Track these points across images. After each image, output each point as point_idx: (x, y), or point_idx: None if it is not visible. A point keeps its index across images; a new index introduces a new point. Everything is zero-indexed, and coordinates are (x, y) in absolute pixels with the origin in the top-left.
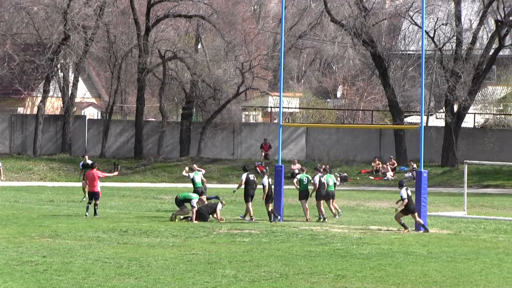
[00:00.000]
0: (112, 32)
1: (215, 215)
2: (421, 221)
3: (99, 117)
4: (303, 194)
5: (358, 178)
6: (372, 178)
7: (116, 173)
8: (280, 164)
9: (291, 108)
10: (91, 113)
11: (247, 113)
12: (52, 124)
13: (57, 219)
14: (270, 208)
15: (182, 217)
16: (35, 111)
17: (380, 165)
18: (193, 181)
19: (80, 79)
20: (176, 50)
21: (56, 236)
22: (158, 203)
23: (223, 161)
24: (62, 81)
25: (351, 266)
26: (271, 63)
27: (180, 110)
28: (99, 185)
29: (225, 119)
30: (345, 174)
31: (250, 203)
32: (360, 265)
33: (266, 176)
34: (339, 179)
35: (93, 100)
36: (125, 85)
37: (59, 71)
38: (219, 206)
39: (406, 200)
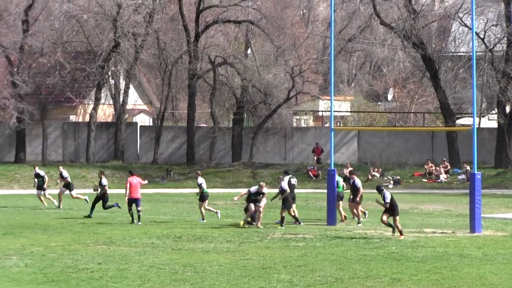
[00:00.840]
0: (162, 39)
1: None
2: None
3: (151, 124)
4: (338, 196)
5: (411, 181)
6: (425, 180)
7: (146, 181)
8: (332, 168)
9: (342, 111)
10: (143, 120)
11: (298, 117)
12: (104, 132)
13: (112, 226)
14: (292, 213)
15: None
16: (87, 118)
17: (433, 168)
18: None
19: (131, 86)
20: (226, 55)
21: (111, 243)
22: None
23: (275, 166)
24: (113, 89)
25: (406, 269)
26: (321, 67)
27: (231, 116)
28: (140, 192)
29: (276, 124)
30: (398, 177)
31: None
32: (415, 268)
33: (286, 180)
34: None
35: (144, 107)
36: (176, 91)
37: (110, 78)
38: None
39: (388, 204)
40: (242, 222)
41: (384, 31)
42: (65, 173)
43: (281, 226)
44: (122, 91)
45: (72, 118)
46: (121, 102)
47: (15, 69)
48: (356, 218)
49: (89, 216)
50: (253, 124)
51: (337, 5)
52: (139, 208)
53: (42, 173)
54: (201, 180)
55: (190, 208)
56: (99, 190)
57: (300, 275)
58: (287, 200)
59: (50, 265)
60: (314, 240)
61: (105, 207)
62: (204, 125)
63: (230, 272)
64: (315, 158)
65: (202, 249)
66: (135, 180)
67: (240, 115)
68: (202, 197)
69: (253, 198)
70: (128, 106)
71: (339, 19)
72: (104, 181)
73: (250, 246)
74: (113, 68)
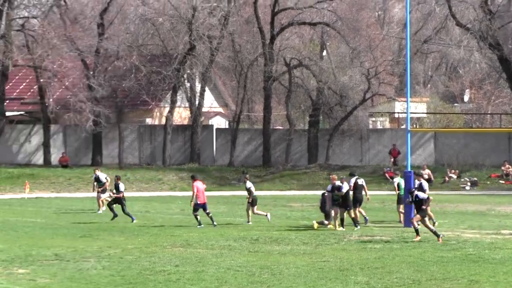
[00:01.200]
0: (237, 41)
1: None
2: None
3: (227, 126)
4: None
5: (488, 183)
6: (503, 182)
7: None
8: (409, 169)
9: (418, 113)
10: (219, 122)
11: (374, 119)
12: (180, 134)
13: (188, 228)
14: (352, 215)
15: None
16: (163, 121)
17: (510, 169)
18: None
19: (206, 88)
20: (301, 57)
21: (188, 245)
22: (288, 211)
23: (351, 168)
24: (189, 91)
25: (484, 271)
26: (397, 69)
27: (307, 118)
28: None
29: (352, 126)
30: (475, 179)
31: (357, 209)
32: (493, 270)
33: (352, 181)
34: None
35: (220, 110)
36: (252, 93)
37: (186, 81)
38: None
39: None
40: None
41: (460, 32)
42: (102, 177)
43: (356, 226)
44: (198, 94)
45: (148, 121)
46: (197, 105)
47: (91, 73)
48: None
49: (114, 217)
50: (329, 126)
51: (413, 6)
52: (208, 211)
53: (103, 176)
54: (249, 184)
55: (267, 210)
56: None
57: (377, 277)
58: (347, 200)
59: (128, 268)
60: (391, 242)
61: (124, 211)
62: (280, 127)
63: (307, 274)
64: (392, 160)
65: (278, 251)
66: (201, 184)
67: (316, 117)
68: (253, 201)
69: (335, 197)
70: (204, 109)
71: (414, 20)
72: (121, 186)
73: (326, 248)
74: (188, 71)
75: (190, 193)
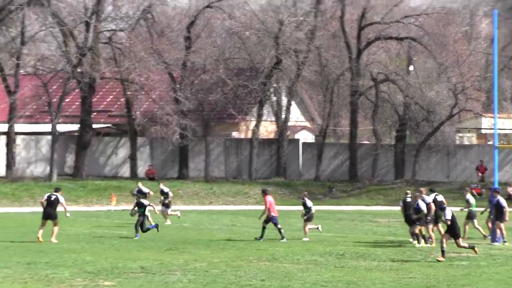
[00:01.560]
0: (323, 56)
1: None
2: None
3: (313, 141)
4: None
5: None
6: None
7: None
8: (496, 186)
9: (506, 129)
10: (305, 136)
11: (461, 134)
12: (267, 148)
13: (274, 242)
14: (416, 230)
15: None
16: (249, 135)
17: None
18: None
19: (293, 102)
20: (387, 72)
21: (274, 260)
22: (374, 226)
23: (438, 184)
24: (275, 105)
25: None
26: (484, 84)
27: (394, 133)
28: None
29: (439, 141)
30: None
31: (433, 226)
32: None
33: (431, 197)
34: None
35: (306, 124)
36: (338, 108)
37: (272, 95)
38: None
39: (449, 222)
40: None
41: None
42: (166, 189)
43: (418, 243)
44: (284, 108)
45: (234, 134)
46: (283, 119)
47: (178, 86)
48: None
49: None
50: (416, 141)
51: (500, 22)
52: (279, 226)
53: (166, 189)
54: (309, 203)
55: (353, 226)
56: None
57: None
58: (420, 218)
59: (213, 281)
60: (478, 259)
61: (143, 229)
62: (367, 142)
63: None
64: (479, 176)
65: (365, 267)
66: (272, 199)
67: (402, 132)
68: (309, 217)
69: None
70: (290, 123)
71: (501, 36)
72: (145, 202)
73: (413, 264)
74: (275, 85)
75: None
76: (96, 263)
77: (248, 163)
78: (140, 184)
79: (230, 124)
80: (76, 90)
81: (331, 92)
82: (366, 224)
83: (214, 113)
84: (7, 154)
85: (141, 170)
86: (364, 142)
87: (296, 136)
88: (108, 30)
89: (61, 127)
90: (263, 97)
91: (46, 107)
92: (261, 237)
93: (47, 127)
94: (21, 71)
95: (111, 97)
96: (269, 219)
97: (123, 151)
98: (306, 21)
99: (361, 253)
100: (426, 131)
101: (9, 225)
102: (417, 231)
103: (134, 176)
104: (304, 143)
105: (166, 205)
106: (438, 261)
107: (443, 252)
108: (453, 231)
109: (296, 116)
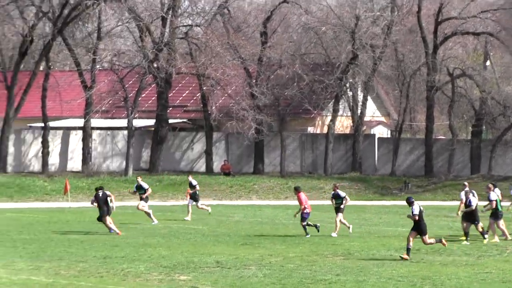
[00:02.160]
0: (400, 51)
1: None
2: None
3: (389, 136)
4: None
5: None
6: None
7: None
8: None
9: None
10: (380, 131)
11: None
12: (342, 143)
13: (349, 238)
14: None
15: None
16: (324, 130)
17: None
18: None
19: (369, 97)
20: (464, 67)
21: (349, 255)
22: (450, 222)
23: None
24: (351, 100)
25: None
26: None
27: (470, 128)
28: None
29: None
30: None
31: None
32: None
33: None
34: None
35: (382, 119)
36: (414, 103)
37: (348, 90)
38: None
39: (416, 217)
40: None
41: None
42: (194, 182)
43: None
44: (360, 103)
45: (310, 129)
46: (359, 114)
47: (254, 81)
48: None
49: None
50: (492, 136)
51: None
52: (304, 224)
53: (194, 182)
54: (342, 193)
55: (429, 221)
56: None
57: None
58: (474, 215)
59: (288, 276)
60: None
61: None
62: (442, 137)
63: (469, 286)
64: None
65: (440, 262)
66: (305, 195)
67: (478, 127)
68: (338, 209)
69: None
70: (366, 118)
71: None
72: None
73: (489, 259)
74: (351, 80)
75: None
76: (171, 257)
77: (323, 158)
78: (139, 179)
79: (305, 119)
80: (152, 85)
81: (407, 87)
82: (442, 219)
83: (290, 108)
84: (83, 149)
85: (217, 165)
86: (440, 137)
87: (372, 131)
88: (184, 26)
89: (137, 122)
90: (339, 92)
91: (122, 102)
92: (307, 233)
93: (123, 122)
94: (97, 66)
95: (187, 92)
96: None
97: (199, 146)
98: (383, 16)
99: (437, 248)
100: (502, 126)
101: (85, 219)
102: (479, 228)
103: (209, 171)
104: (379, 138)
105: (195, 199)
106: (402, 258)
107: (408, 250)
108: (419, 227)
109: (372, 111)
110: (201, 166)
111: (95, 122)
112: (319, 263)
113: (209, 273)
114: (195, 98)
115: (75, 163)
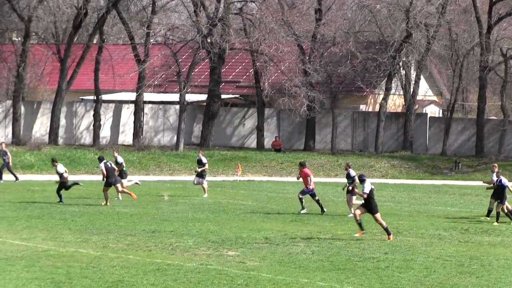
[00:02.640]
0: (453, 30)
1: None
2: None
3: (440, 115)
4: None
5: None
6: None
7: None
8: None
9: None
10: (432, 111)
11: None
12: (394, 122)
13: (399, 216)
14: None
15: None
16: (376, 108)
17: None
18: None
19: (421, 76)
20: None
21: (398, 233)
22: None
23: None
24: (403, 79)
25: None
26: None
27: None
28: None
29: None
30: None
31: None
32: None
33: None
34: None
35: (434, 98)
36: (467, 83)
37: (401, 69)
38: None
39: (365, 195)
40: None
41: None
42: (204, 160)
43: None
44: (413, 82)
45: (362, 107)
46: (411, 93)
47: (307, 58)
48: None
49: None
50: None
51: None
52: (317, 198)
53: (204, 159)
54: (353, 172)
55: (478, 201)
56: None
57: None
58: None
59: (337, 253)
60: None
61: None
62: (494, 117)
63: None
64: None
65: (488, 242)
66: (310, 171)
67: None
68: (354, 188)
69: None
70: (418, 97)
71: None
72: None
73: None
74: (404, 59)
75: (401, 181)
76: (220, 232)
77: (374, 137)
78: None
79: (358, 97)
80: (205, 60)
81: (460, 67)
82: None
83: (342, 85)
84: (135, 122)
85: (268, 141)
86: (491, 117)
87: (424, 110)
88: (239, 1)
89: (189, 97)
90: (392, 70)
91: (175, 77)
92: (322, 209)
93: (175, 97)
94: (151, 41)
95: (240, 68)
96: (308, 191)
97: (250, 122)
98: None
99: (485, 228)
100: None
101: (134, 193)
102: (502, 209)
103: (260, 147)
104: (431, 118)
105: (201, 175)
106: (357, 237)
107: (360, 225)
108: (369, 205)
109: (424, 90)
110: (252, 142)
111: (147, 96)
112: (368, 241)
113: (258, 249)
114: (247, 74)
115: (126, 136)
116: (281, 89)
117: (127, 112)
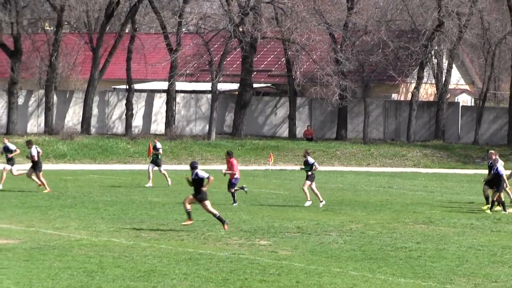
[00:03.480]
0: (485, 19)
1: None
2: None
3: (472, 104)
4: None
5: None
6: None
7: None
8: None
9: None
10: (464, 99)
11: None
12: (426, 111)
13: (430, 205)
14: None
15: None
16: (408, 97)
17: None
18: None
19: (453, 65)
20: None
21: (430, 223)
22: None
23: None
24: (435, 68)
25: None
26: None
27: None
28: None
29: None
30: None
31: None
32: None
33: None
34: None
35: (466, 87)
36: (499, 72)
37: (433, 57)
38: None
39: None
40: None
41: None
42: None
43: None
44: (445, 71)
45: (394, 96)
46: (443, 82)
47: (339, 47)
48: None
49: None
50: None
51: None
52: (233, 190)
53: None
54: (311, 160)
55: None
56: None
57: None
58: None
59: (369, 243)
60: None
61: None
62: None
63: None
64: None
65: None
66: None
67: None
68: (312, 175)
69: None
70: (450, 86)
71: None
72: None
73: None
74: (436, 47)
75: (433, 170)
76: (252, 222)
77: (406, 125)
78: (6, 141)
79: (389, 86)
80: (237, 49)
81: (492, 56)
82: None
83: (374, 74)
84: (167, 112)
85: (300, 130)
86: None
87: (456, 99)
88: None
89: (221, 86)
90: (424, 59)
91: (207, 66)
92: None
93: (207, 86)
94: (183, 30)
95: (272, 56)
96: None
97: (282, 111)
98: None
99: None
100: None
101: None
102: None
103: (292, 136)
104: (463, 107)
105: (156, 163)
106: (185, 225)
107: (188, 213)
108: (197, 192)
109: (456, 79)
110: (284, 131)
111: (179, 85)
112: (400, 231)
113: (290, 238)
114: (279, 63)
115: (158, 126)
116: (313, 78)
117: (159, 102)
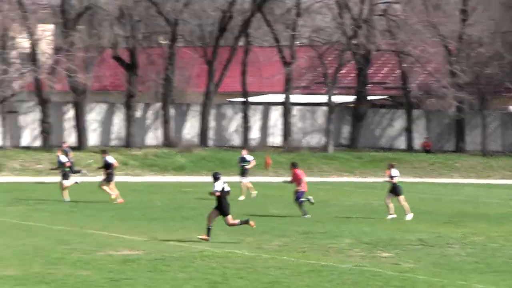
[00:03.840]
0: None
1: None
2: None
3: None
4: None
5: None
6: None
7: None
8: None
9: None
10: None
11: None
12: None
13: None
14: None
15: None
16: None
17: None
18: None
19: None
20: None
21: None
22: None
23: None
24: None
25: None
26: None
27: None
28: None
29: None
30: None
31: None
32: None
33: None
34: None
35: None
36: None
37: None
38: None
39: (218, 193)
40: None
41: None
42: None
43: None
44: None
45: (511, 108)
46: None
47: (454, 59)
48: None
49: None
50: None
51: None
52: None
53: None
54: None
55: None
56: None
57: None
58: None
59: (492, 255)
60: None
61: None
62: None
63: None
64: None
65: None
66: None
67: None
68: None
69: None
70: None
71: None
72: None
73: None
74: None
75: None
76: (373, 234)
77: None
78: (61, 153)
79: (507, 97)
80: (352, 62)
81: None
82: None
83: (490, 86)
84: (284, 124)
85: (416, 142)
86: None
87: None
88: (383, 2)
89: (336, 98)
90: None
91: (322, 78)
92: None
93: (323, 98)
94: (296, 42)
95: (387, 69)
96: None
97: (399, 123)
98: None
99: None
100: None
101: (287, 194)
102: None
103: (409, 148)
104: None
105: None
106: (201, 239)
107: (208, 230)
108: (220, 207)
109: None
110: (401, 143)
111: (294, 97)
112: None
113: (412, 250)
114: (394, 75)
115: (275, 138)
116: (429, 90)
117: (275, 114)
